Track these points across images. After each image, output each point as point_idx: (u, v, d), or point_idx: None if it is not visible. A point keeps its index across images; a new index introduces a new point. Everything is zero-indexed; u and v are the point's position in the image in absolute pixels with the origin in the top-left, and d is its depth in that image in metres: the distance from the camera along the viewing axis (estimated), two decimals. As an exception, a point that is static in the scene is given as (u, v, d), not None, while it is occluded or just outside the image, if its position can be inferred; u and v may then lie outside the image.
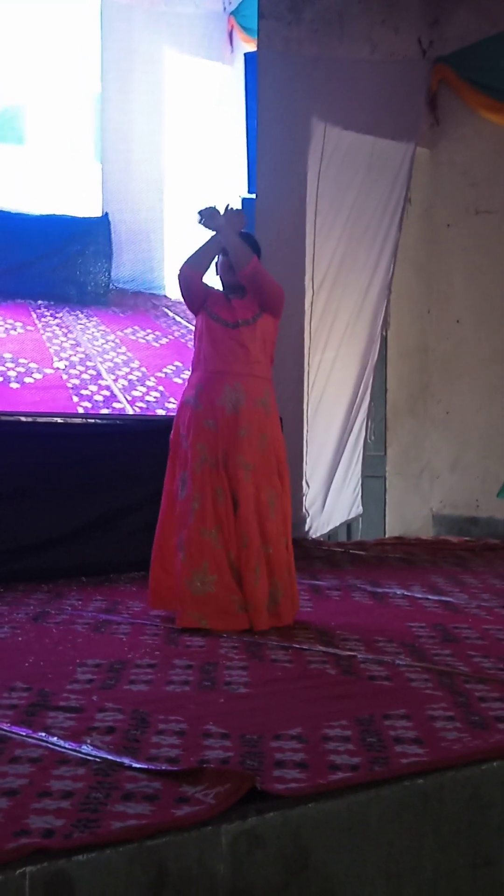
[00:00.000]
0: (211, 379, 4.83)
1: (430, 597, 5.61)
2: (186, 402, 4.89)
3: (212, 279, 5.01)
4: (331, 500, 8.09)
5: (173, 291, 7.18)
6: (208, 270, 4.96)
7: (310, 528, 7.85)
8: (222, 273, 4.95)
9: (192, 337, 5.07)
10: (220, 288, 4.99)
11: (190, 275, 4.91)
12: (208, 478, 4.76)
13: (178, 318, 7.07)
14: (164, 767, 2.71)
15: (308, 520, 7.84)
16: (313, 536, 7.87)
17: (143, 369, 6.92)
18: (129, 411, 6.83)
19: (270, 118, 7.46)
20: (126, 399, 6.86)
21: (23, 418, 6.41)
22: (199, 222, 4.94)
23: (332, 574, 6.36)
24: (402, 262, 8.40)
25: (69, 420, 6.57)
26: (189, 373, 5.05)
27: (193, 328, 5.04)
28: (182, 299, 5.06)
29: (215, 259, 4.94)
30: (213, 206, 4.98)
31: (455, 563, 6.95)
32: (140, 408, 6.89)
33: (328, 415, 8.05)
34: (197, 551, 4.70)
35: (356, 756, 2.83)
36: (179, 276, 4.95)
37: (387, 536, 8.58)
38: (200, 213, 4.95)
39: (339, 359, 8.07)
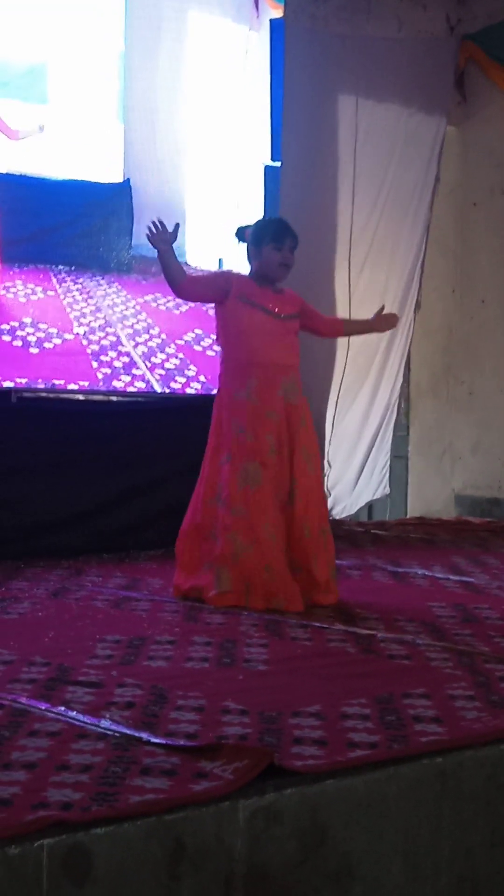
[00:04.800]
0: (267, 372, 4.81)
1: (450, 577, 5.60)
2: (237, 397, 4.81)
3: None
4: (360, 481, 8.08)
5: (195, 259, 7.18)
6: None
7: (332, 507, 7.84)
8: (277, 270, 4.88)
9: (218, 318, 4.95)
10: (254, 277, 4.90)
11: (185, 288, 4.87)
12: (276, 468, 4.78)
13: (199, 286, 7.07)
14: (182, 743, 2.72)
15: (331, 499, 7.82)
16: (340, 516, 7.86)
17: (164, 336, 6.92)
18: (149, 378, 6.83)
19: (298, 95, 7.40)
20: (146, 366, 6.86)
21: (44, 394, 6.42)
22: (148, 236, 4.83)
23: (352, 553, 6.35)
24: (429, 241, 8.35)
25: (91, 397, 6.57)
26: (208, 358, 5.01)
27: (218, 315, 4.94)
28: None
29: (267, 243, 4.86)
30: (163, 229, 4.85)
31: (476, 544, 6.93)
32: (160, 375, 6.89)
33: (359, 395, 8.03)
34: (282, 540, 4.74)
35: (375, 734, 2.83)
36: (183, 296, 4.96)
37: (408, 517, 8.56)
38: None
39: (372, 339, 8.04)
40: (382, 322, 5.25)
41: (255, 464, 4.74)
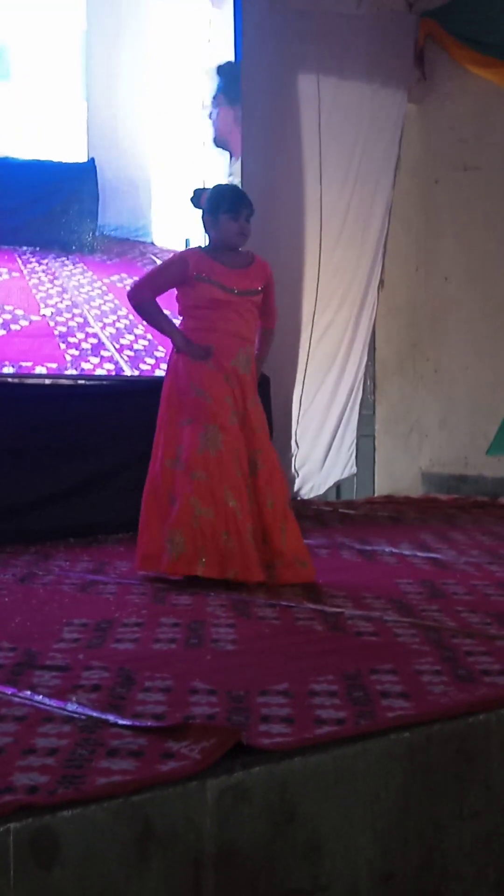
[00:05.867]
0: (226, 341, 4.79)
1: (418, 554, 5.62)
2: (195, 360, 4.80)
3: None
4: (328, 460, 8.09)
5: (161, 238, 7.16)
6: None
7: (300, 487, 7.84)
8: (233, 238, 4.83)
9: (179, 301, 4.92)
10: (211, 248, 4.87)
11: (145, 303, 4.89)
12: (239, 433, 4.76)
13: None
14: (149, 724, 2.71)
15: (298, 480, 7.82)
16: (309, 496, 7.87)
17: (131, 317, 6.89)
18: (118, 359, 6.80)
19: (257, 73, 7.37)
20: (114, 347, 6.84)
21: (10, 379, 6.38)
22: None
23: (320, 533, 6.35)
24: (392, 219, 8.35)
25: (57, 381, 6.53)
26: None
27: (178, 290, 4.90)
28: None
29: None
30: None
31: (444, 521, 6.95)
32: (128, 356, 6.86)
33: (327, 375, 8.03)
34: (244, 507, 4.69)
35: (342, 710, 2.83)
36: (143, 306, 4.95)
37: (376, 495, 8.58)
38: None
39: (338, 318, 8.05)
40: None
41: (215, 427, 4.71)
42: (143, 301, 4.90)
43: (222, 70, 7.10)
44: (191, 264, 4.81)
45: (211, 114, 7.11)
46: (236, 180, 7.17)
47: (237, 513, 4.66)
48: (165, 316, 4.89)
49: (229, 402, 4.76)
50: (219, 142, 7.18)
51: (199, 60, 7.30)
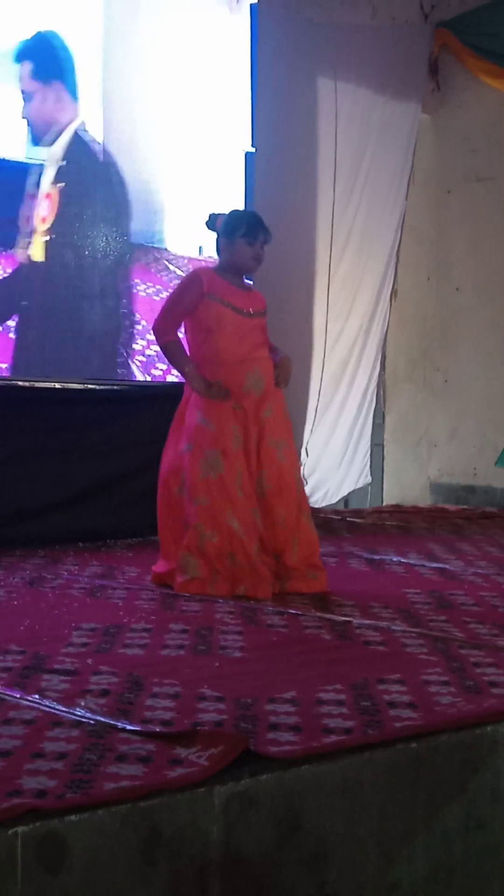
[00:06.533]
0: (233, 370, 4.80)
1: (426, 564, 5.62)
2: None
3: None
4: (341, 470, 8.09)
5: (175, 246, 7.16)
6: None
7: (311, 495, 7.83)
8: (248, 263, 4.87)
9: (188, 329, 4.94)
10: (221, 269, 4.89)
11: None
12: (242, 458, 4.77)
13: (178, 272, 7.02)
14: (157, 729, 2.71)
15: (308, 488, 7.81)
16: (320, 505, 7.86)
17: (144, 322, 6.89)
18: (129, 365, 6.81)
19: (272, 79, 7.39)
20: (125, 353, 6.85)
21: (20, 383, 6.40)
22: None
23: (328, 541, 6.34)
24: (404, 229, 8.36)
25: (67, 385, 6.55)
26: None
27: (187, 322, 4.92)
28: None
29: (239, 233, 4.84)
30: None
31: (452, 531, 6.95)
32: (140, 361, 6.87)
33: (338, 384, 8.03)
34: (248, 527, 4.72)
35: (350, 720, 2.83)
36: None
37: (384, 504, 8.58)
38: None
39: (349, 328, 8.06)
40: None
41: (216, 451, 4.74)
42: (169, 343, 4.92)
43: (30, 53, 6.66)
44: (205, 282, 4.83)
45: (24, 110, 6.55)
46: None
47: (241, 534, 4.70)
48: (189, 360, 4.87)
49: (234, 430, 4.77)
50: (39, 135, 6.70)
51: (216, 67, 7.31)
